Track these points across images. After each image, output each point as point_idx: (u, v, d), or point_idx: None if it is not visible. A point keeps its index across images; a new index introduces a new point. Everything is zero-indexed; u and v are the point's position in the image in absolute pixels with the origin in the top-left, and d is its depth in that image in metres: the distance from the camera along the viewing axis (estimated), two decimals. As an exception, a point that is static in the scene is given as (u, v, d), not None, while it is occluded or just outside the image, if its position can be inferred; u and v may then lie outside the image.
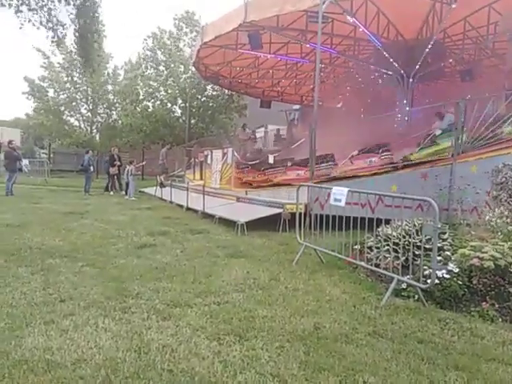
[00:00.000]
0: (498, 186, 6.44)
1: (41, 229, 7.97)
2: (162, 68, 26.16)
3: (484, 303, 4.36)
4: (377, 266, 5.11)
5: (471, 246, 4.83)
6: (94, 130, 30.05)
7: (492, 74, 14.37)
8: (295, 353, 3.28)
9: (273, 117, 21.92)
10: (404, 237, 5.09)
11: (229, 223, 8.89)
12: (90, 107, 28.85)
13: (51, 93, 28.23)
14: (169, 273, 5.35)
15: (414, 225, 5.08)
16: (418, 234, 5.14)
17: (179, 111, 27.05)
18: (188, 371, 2.94)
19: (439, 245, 4.93)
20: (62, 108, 28.36)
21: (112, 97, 28.59)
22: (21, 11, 13.63)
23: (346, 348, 3.40)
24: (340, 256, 5.60)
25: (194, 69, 20.30)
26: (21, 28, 13.89)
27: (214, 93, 26.38)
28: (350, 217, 5.52)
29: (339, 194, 5.46)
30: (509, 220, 5.61)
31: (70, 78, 27.84)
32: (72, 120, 29.68)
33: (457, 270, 4.64)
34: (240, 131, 18.96)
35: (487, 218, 5.84)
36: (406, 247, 4.94)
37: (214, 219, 9.57)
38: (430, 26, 12.72)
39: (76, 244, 6.84)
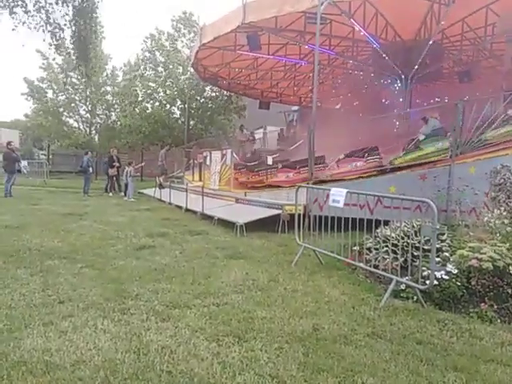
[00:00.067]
0: (497, 187, 6.47)
1: (40, 230, 7.96)
2: (160, 69, 26.17)
3: (483, 304, 4.37)
4: (376, 267, 5.12)
5: (470, 247, 4.84)
6: (93, 131, 30.06)
7: (490, 75, 14.41)
8: (294, 354, 3.28)
9: (272, 118, 21.92)
10: (403, 238, 5.10)
11: (228, 224, 8.89)
12: (89, 108, 28.86)
13: (50, 94, 28.27)
14: (168, 274, 5.35)
15: (413, 226, 5.10)
16: (416, 235, 5.15)
17: (178, 112, 27.07)
18: (187, 372, 2.95)
19: (438, 246, 4.95)
20: (61, 109, 28.37)
21: (111, 98, 28.60)
22: (15, 13, 13.46)
23: (345, 349, 3.40)
24: (339, 257, 5.61)
25: (192, 70, 20.31)
26: (13, 30, 13.75)
27: (213, 94, 26.40)
28: (348, 218, 5.52)
29: (338, 195, 5.47)
30: (507, 221, 5.62)
31: (69, 80, 27.84)
32: (71, 121, 29.75)
33: (455, 271, 4.65)
34: (238, 132, 18.98)
35: (486, 219, 5.85)
36: (405, 248, 4.95)
37: (213, 220, 9.57)
38: (428, 27, 12.75)
39: (75, 245, 6.84)
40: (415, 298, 4.53)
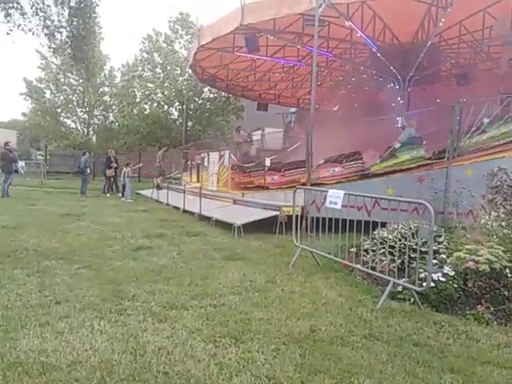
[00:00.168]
0: (493, 190, 6.47)
1: (37, 231, 7.94)
2: (158, 70, 26.17)
3: (479, 306, 4.38)
4: (373, 268, 5.12)
5: (467, 249, 4.85)
6: (91, 132, 30.02)
7: (487, 77, 14.46)
8: (291, 355, 3.28)
9: (270, 120, 21.95)
10: (400, 240, 5.11)
11: (225, 226, 8.89)
12: (87, 109, 28.82)
13: (48, 94, 28.23)
14: (165, 275, 5.34)
15: (410, 228, 5.11)
16: (413, 237, 5.16)
17: (176, 113, 27.08)
18: (184, 373, 2.94)
19: (435, 248, 4.95)
20: (59, 110, 28.33)
21: (109, 99, 28.57)
22: (10, 14, 13.37)
23: (342, 350, 3.41)
24: (336, 259, 5.62)
25: (190, 71, 20.31)
26: (8, 34, 13.67)
27: (211, 95, 26.40)
28: (346, 219, 5.53)
29: (335, 196, 5.48)
30: (504, 223, 5.64)
31: (66, 80, 27.81)
32: (69, 122, 29.70)
33: (452, 273, 4.66)
34: (235, 134, 19.00)
35: (483, 221, 5.86)
36: (402, 250, 4.96)
37: (210, 221, 9.56)
38: (426, 29, 12.79)
39: (72, 246, 6.83)
40: (412, 299, 4.54)
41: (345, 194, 5.43)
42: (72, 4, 14.08)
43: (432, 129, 9.78)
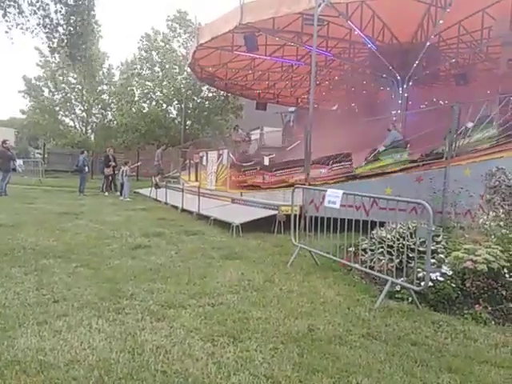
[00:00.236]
0: (492, 190, 6.49)
1: (35, 229, 7.93)
2: (157, 69, 26.12)
3: (477, 306, 4.39)
4: (371, 268, 5.13)
5: (465, 249, 4.86)
6: (89, 131, 29.95)
7: (486, 78, 14.49)
8: (289, 354, 3.28)
9: (269, 119, 21.95)
10: (398, 239, 5.12)
11: (224, 225, 8.89)
12: (85, 107, 28.76)
13: (46, 92, 28.15)
14: (163, 274, 5.34)
15: (408, 227, 5.11)
16: (412, 237, 5.16)
17: (175, 112, 27.04)
18: (182, 372, 2.94)
19: (433, 247, 4.96)
20: (57, 108, 28.26)
21: (107, 97, 28.52)
22: (9, 12, 13.28)
23: (340, 350, 3.41)
24: (334, 258, 5.62)
25: (189, 70, 20.29)
26: (7, 32, 13.58)
27: (210, 94, 26.36)
28: (344, 219, 5.54)
29: (334, 196, 5.48)
30: (502, 223, 5.65)
31: (65, 78, 27.75)
32: (67, 120, 29.63)
33: (450, 273, 4.67)
34: (233, 133, 18.99)
35: (481, 221, 5.87)
36: (400, 250, 4.96)
37: (209, 220, 9.56)
38: (425, 29, 12.81)
39: (70, 244, 6.81)
40: (410, 299, 4.54)
41: (343, 193, 5.43)
42: (70, 2, 13.98)
43: (429, 129, 9.78)
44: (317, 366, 3.10)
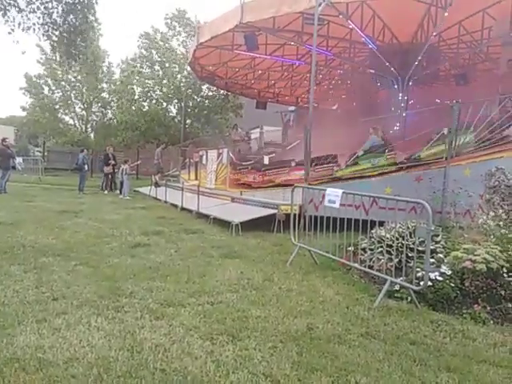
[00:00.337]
0: (491, 190, 6.49)
1: (34, 227, 7.92)
2: (157, 67, 26.10)
3: (476, 305, 4.39)
4: (370, 267, 5.13)
5: (464, 249, 4.86)
6: (89, 129, 29.94)
7: (486, 78, 14.49)
8: (288, 353, 3.29)
9: (269, 118, 21.93)
10: (397, 239, 5.11)
11: (223, 223, 8.89)
12: (85, 106, 28.74)
13: (46, 91, 28.13)
14: (162, 272, 5.34)
15: (408, 227, 5.11)
16: (411, 237, 5.16)
17: (174, 111, 27.02)
18: (181, 371, 2.94)
19: (432, 247, 4.97)
20: (57, 106, 28.24)
21: (107, 96, 28.50)
22: (8, 10, 13.17)
23: (339, 349, 3.41)
24: (334, 257, 5.62)
25: (189, 68, 20.28)
26: (10, 33, 13.48)
27: (210, 93, 26.34)
28: (344, 218, 5.53)
29: (334, 195, 5.48)
30: (501, 223, 5.65)
31: (65, 76, 27.72)
32: (67, 118, 29.61)
33: (449, 273, 4.68)
34: (232, 132, 18.98)
35: (480, 221, 5.87)
36: (400, 249, 4.96)
37: (208, 219, 9.56)
38: (425, 29, 12.80)
39: (69, 243, 6.81)
40: (409, 298, 4.55)
41: (343, 192, 5.44)
42: (68, 0, 13.90)
43: (429, 129, 9.79)
44: (316, 365, 3.10)
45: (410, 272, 4.68)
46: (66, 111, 29.08)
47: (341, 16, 11.19)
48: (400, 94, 14.55)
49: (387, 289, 4.60)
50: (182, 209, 11.55)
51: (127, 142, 25.93)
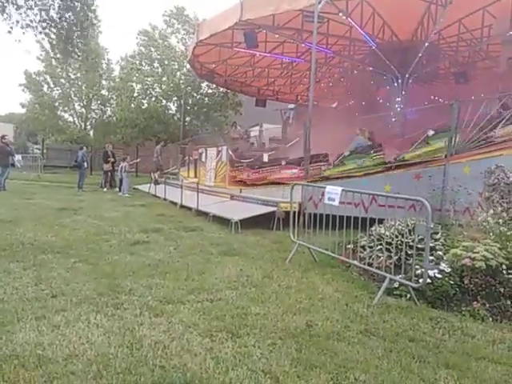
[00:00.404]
0: (491, 188, 6.49)
1: (33, 224, 7.92)
2: (156, 65, 26.05)
3: (475, 303, 4.40)
4: (369, 265, 5.13)
5: (463, 246, 4.86)
6: (88, 127, 29.91)
7: (486, 76, 14.48)
8: (287, 350, 3.29)
9: (268, 116, 21.92)
10: (397, 236, 5.11)
11: (223, 221, 8.89)
12: (84, 103, 28.70)
13: (46, 88, 28.08)
14: (162, 270, 5.34)
15: (407, 225, 5.11)
16: (410, 234, 5.16)
17: (174, 108, 27.00)
18: (180, 367, 2.94)
19: (431, 245, 4.97)
20: (56, 104, 28.20)
21: (106, 93, 28.46)
22: (6, 6, 13.07)
23: (338, 346, 3.41)
24: (333, 255, 5.62)
25: (188, 66, 20.24)
26: (10, 32, 13.40)
27: (210, 90, 26.31)
28: (343, 216, 5.53)
29: (333, 193, 5.48)
30: (501, 221, 5.65)
31: (64, 73, 27.68)
32: (66, 116, 29.59)
33: (448, 270, 4.68)
34: (231, 129, 18.96)
35: (479, 218, 5.88)
36: (399, 247, 4.97)
37: (207, 217, 9.56)
38: (425, 27, 12.78)
39: (69, 240, 6.81)
40: (408, 295, 4.55)
41: (342, 190, 5.43)
42: None
43: (428, 127, 9.79)
44: (315, 362, 3.10)
45: (410, 269, 4.68)
46: (66, 108, 29.05)
47: (341, 14, 11.17)
48: (399, 92, 14.54)
49: (386, 286, 4.61)
50: (182, 206, 11.54)
51: (126, 140, 25.93)
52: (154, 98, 26.09)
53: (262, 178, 11.33)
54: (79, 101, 28.75)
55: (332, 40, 14.25)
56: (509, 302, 4.42)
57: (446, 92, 15.46)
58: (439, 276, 4.58)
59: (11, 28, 13.25)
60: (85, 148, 18.29)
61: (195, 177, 15.05)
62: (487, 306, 4.38)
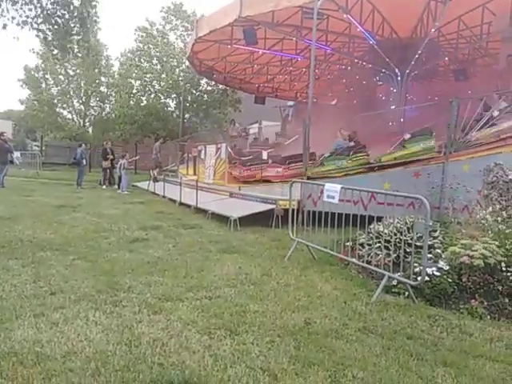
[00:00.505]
0: (489, 185, 6.49)
1: (32, 221, 7.91)
2: (155, 61, 25.97)
3: (473, 301, 4.41)
4: (368, 262, 5.14)
5: (461, 244, 4.87)
6: (87, 124, 29.86)
7: (485, 73, 14.46)
8: (286, 347, 3.30)
9: (267, 113, 21.87)
10: (395, 234, 5.12)
11: (222, 218, 8.88)
12: (83, 100, 28.63)
13: (44, 85, 28.01)
14: (161, 267, 5.34)
15: (406, 222, 5.13)
16: (409, 232, 5.17)
17: (173, 105, 26.94)
18: (178, 365, 2.95)
19: (430, 242, 4.97)
20: (55, 100, 28.14)
21: (105, 90, 28.38)
22: (1, 2, 12.90)
23: (336, 343, 3.42)
24: (332, 252, 5.63)
25: (187, 62, 20.19)
26: (4, 28, 13.24)
27: (209, 87, 26.26)
28: (342, 214, 5.54)
29: (332, 190, 5.48)
30: (499, 219, 5.66)
31: (63, 70, 27.60)
32: (65, 113, 29.53)
33: (447, 268, 4.69)
34: (230, 127, 18.94)
35: (478, 216, 5.89)
36: (398, 244, 4.97)
37: (206, 214, 9.56)
38: (425, 24, 12.76)
39: (67, 237, 6.80)
40: (406, 293, 4.56)
41: (341, 188, 5.43)
42: None
43: (427, 124, 9.79)
44: (313, 359, 3.11)
45: (408, 267, 4.68)
46: (64, 105, 28.97)
47: (340, 10, 11.15)
48: (399, 89, 14.52)
49: (385, 284, 4.62)
50: (181, 204, 11.54)
51: (125, 137, 25.88)
52: (153, 95, 26.01)
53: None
54: (78, 98, 28.66)
55: (331, 37, 14.25)
56: (507, 300, 4.44)
57: (446, 89, 15.45)
58: (437, 274, 4.59)
59: (5, 24, 13.10)
60: (84, 145, 18.27)
61: (194, 174, 15.03)
62: (485, 303, 4.39)
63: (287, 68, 18.33)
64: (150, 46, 25.86)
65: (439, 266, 4.72)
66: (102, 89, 28.51)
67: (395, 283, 4.75)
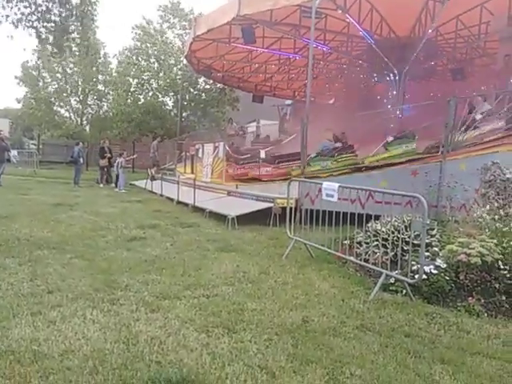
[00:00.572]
0: (487, 184, 6.50)
1: (29, 220, 7.88)
2: (152, 60, 25.90)
3: (470, 298, 4.42)
4: (366, 260, 5.15)
5: (459, 243, 4.88)
6: (85, 122, 29.75)
7: (483, 73, 14.49)
8: (283, 345, 3.30)
9: (266, 112, 21.86)
10: (393, 232, 5.13)
11: (219, 217, 8.88)
12: (80, 98, 28.53)
13: (41, 83, 27.90)
14: (158, 265, 5.33)
15: (403, 221, 5.13)
16: (406, 230, 5.18)
17: (171, 104, 26.88)
18: (176, 363, 2.94)
19: (427, 241, 4.98)
20: (52, 99, 28.03)
21: (103, 88, 28.29)
22: None
23: (334, 341, 3.43)
24: (329, 251, 5.63)
25: (185, 61, 20.15)
26: None
27: (207, 86, 26.20)
28: (340, 212, 5.54)
29: (331, 189, 5.48)
30: (496, 217, 5.68)
31: (60, 68, 27.50)
32: (62, 111, 29.41)
33: (444, 266, 4.69)
34: (227, 125, 18.92)
35: (475, 215, 5.90)
36: (395, 243, 4.98)
37: (204, 213, 9.55)
38: (423, 23, 12.77)
39: (65, 236, 6.79)
40: (404, 291, 4.57)
41: (339, 186, 5.44)
42: None
43: (426, 124, 9.80)
44: (311, 357, 3.11)
45: (405, 265, 4.69)
46: (62, 104, 28.86)
47: (338, 9, 11.15)
48: (397, 89, 14.53)
49: (382, 282, 4.63)
50: (178, 202, 11.53)
51: (123, 135, 25.80)
52: (150, 93, 25.94)
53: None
54: (75, 96, 28.56)
55: (330, 36, 14.24)
56: (504, 298, 4.45)
57: (443, 89, 15.46)
58: (435, 272, 4.60)
59: None
60: (81, 143, 18.24)
61: (192, 173, 15.02)
62: (482, 301, 4.41)
63: (285, 67, 18.32)
64: (148, 45, 25.76)
65: (437, 264, 4.73)
66: (100, 87, 28.40)
67: (393, 281, 4.76)
